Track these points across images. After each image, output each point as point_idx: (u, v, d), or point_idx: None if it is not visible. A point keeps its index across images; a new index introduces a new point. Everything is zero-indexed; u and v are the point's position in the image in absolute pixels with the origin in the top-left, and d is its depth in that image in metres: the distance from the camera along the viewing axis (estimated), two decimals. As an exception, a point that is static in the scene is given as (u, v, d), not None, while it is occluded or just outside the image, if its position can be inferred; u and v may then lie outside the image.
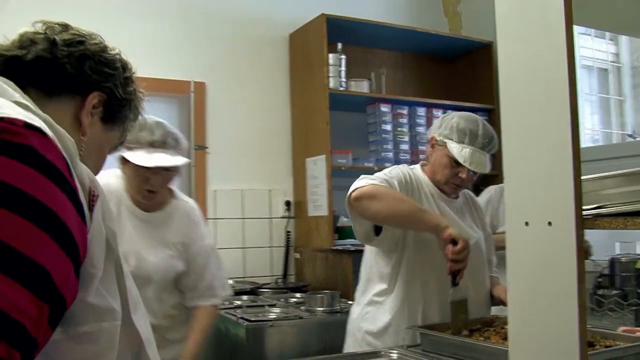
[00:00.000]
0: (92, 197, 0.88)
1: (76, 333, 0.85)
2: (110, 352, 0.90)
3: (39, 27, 1.08)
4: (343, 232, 3.76)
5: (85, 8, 3.50)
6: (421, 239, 2.20)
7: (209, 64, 3.91)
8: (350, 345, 2.28)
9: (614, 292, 2.94)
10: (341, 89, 3.85)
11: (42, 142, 0.79)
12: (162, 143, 2.18)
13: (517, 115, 1.41)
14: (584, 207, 1.35)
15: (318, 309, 3.02)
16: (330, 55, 3.82)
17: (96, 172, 1.09)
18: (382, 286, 2.24)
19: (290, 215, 4.05)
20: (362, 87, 3.99)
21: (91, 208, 0.87)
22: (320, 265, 3.84)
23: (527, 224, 1.37)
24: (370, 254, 2.34)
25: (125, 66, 1.17)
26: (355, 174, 3.83)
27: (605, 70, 4.64)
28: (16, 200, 0.73)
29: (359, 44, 4.18)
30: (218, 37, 3.95)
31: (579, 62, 4.39)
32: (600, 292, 3.00)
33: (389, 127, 4.01)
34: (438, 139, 2.26)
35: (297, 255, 4.03)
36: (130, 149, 2.14)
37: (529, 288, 1.39)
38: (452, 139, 2.21)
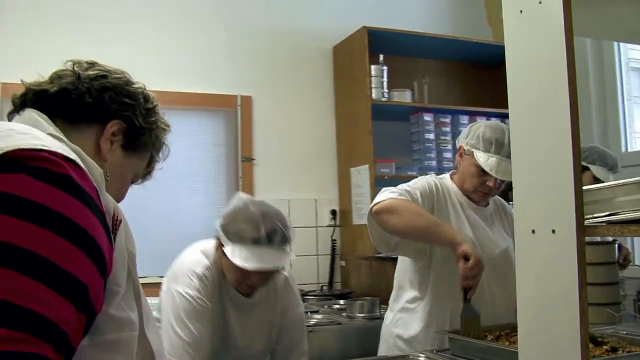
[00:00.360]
0: (116, 222, 0.97)
1: (100, 341, 0.92)
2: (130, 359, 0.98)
3: (69, 65, 1.20)
4: (387, 240, 3.82)
5: (133, 31, 3.71)
6: (447, 249, 2.26)
7: (255, 78, 4.04)
8: (383, 351, 2.35)
9: (659, 298, 2.91)
10: (383, 99, 3.93)
11: (77, 172, 0.88)
12: (268, 240, 1.99)
13: (523, 131, 1.47)
14: (596, 215, 1.40)
15: (358, 315, 3.10)
16: (372, 67, 3.90)
17: (118, 199, 1.17)
18: (413, 293, 2.30)
19: (336, 223, 4.13)
20: (404, 97, 4.04)
21: (114, 231, 0.96)
22: (364, 272, 3.91)
23: (533, 232, 1.43)
24: (402, 262, 2.40)
25: (147, 98, 1.26)
26: (398, 182, 3.88)
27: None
28: (59, 223, 0.82)
29: (401, 54, 4.25)
30: (264, 51, 4.08)
31: (627, 64, 4.33)
32: (644, 298, 2.97)
33: (431, 136, 4.06)
34: (465, 148, 2.32)
35: (343, 263, 4.11)
36: (231, 240, 2.00)
37: (536, 293, 1.44)
38: (478, 149, 2.26)
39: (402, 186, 2.30)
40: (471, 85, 4.57)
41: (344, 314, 3.21)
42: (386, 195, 2.23)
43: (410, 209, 2.18)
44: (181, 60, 3.81)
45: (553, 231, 1.38)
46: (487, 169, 2.23)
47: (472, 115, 4.18)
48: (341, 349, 2.83)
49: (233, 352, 2.16)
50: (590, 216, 1.38)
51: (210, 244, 2.15)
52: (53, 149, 0.87)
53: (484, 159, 2.24)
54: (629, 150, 4.07)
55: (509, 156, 2.25)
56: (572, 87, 1.32)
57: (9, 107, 1.17)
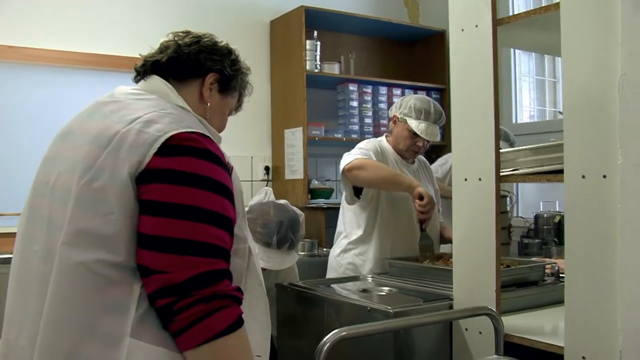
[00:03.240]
0: (230, 168, 1.37)
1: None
2: (244, 261, 1.40)
3: (171, 37, 1.52)
4: (315, 193, 4.41)
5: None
6: (392, 197, 2.83)
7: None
8: (334, 276, 2.92)
9: (537, 240, 3.66)
10: (316, 70, 4.44)
11: (209, 143, 1.25)
12: (277, 247, 2.33)
13: (461, 109, 2.06)
14: (505, 170, 2.00)
15: (300, 253, 3.67)
16: (308, 42, 4.39)
17: (221, 129, 1.56)
18: (360, 232, 2.86)
19: (269, 178, 4.65)
20: (333, 69, 4.57)
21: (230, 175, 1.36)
22: (297, 221, 4.45)
23: (466, 179, 2.02)
24: (349, 207, 2.95)
25: (230, 52, 1.55)
26: (326, 143, 4.44)
27: (542, 55, 5.24)
28: (209, 184, 1.21)
29: (331, 30, 4.75)
30: (207, 23, 4.43)
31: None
32: (526, 240, 3.73)
33: (355, 104, 4.64)
34: (399, 116, 2.90)
35: (276, 213, 4.63)
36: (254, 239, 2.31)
37: (468, 225, 2.02)
38: (410, 117, 2.85)
39: (360, 150, 2.81)
40: (389, 61, 5.15)
41: (286, 253, 3.77)
42: (352, 157, 2.74)
43: (374, 164, 2.71)
44: (133, 30, 4.15)
45: (480, 179, 1.97)
46: (418, 133, 2.82)
47: (390, 87, 4.78)
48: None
49: None
50: (502, 171, 1.98)
51: None
52: (195, 129, 1.25)
53: (415, 124, 2.83)
54: (518, 122, 4.79)
55: (435, 122, 2.86)
56: (495, 81, 1.92)
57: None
